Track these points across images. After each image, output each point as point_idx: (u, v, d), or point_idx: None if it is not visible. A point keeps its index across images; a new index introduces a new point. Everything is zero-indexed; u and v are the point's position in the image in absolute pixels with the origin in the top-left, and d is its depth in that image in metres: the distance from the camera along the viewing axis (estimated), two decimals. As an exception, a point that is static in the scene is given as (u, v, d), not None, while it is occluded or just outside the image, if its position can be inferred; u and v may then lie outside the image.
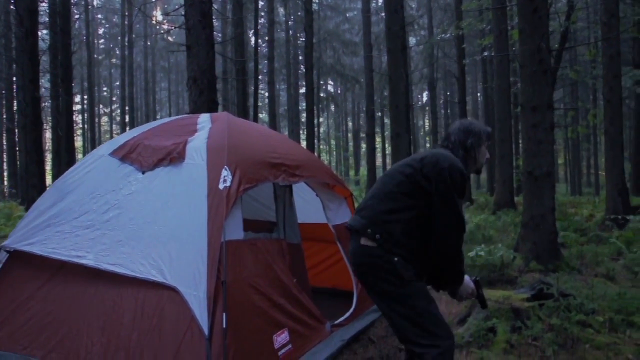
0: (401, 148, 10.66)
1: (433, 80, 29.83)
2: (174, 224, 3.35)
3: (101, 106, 48.23)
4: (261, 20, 30.07)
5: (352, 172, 43.87)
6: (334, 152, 49.65)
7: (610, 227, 11.07)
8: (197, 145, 3.73)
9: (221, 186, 3.34)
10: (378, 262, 2.64)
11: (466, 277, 2.79)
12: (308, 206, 5.18)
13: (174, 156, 3.70)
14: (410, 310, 2.60)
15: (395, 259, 2.60)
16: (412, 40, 34.68)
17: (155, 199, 3.53)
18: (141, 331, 3.02)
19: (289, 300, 3.62)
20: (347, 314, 4.40)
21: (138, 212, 3.50)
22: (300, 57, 30.77)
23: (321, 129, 51.06)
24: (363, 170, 33.50)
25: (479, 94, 41.74)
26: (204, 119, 4.17)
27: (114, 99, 48.25)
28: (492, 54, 15.36)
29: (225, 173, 3.39)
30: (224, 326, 2.86)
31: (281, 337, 3.41)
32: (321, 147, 50.36)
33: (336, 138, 49.38)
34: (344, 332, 4.23)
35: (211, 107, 7.78)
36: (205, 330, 2.88)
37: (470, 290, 2.82)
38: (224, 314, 2.89)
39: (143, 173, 3.74)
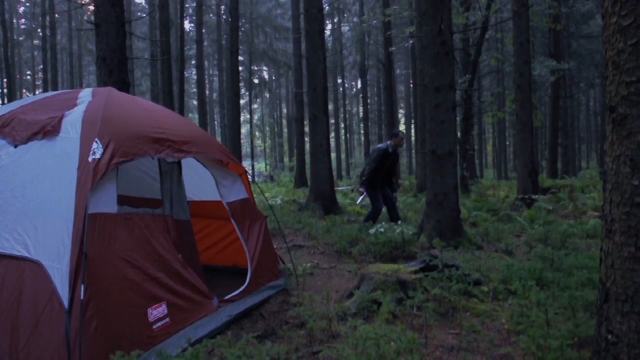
0: (318, 130, 10.69)
1: (364, 67, 30.14)
2: (43, 197, 3.25)
3: (24, 90, 46.01)
4: (193, 4, 29.43)
5: (286, 159, 43.60)
6: (268, 139, 49.21)
7: (520, 206, 11.60)
8: (73, 119, 3.63)
9: (90, 159, 3.26)
10: None
11: None
12: (204, 184, 5.14)
13: (49, 130, 3.58)
14: None
15: None
16: (344, 27, 34.93)
17: (26, 172, 3.42)
18: (-1, 307, 2.93)
19: (169, 275, 3.59)
20: (238, 291, 4.40)
21: (6, 186, 3.39)
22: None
23: (256, 116, 50.59)
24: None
25: (411, 81, 42.45)
26: (86, 93, 4.06)
27: (37, 82, 46.04)
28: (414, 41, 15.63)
29: (95, 145, 3.31)
30: (82, 298, 2.81)
31: (157, 311, 3.39)
32: (256, 133, 49.92)
33: (270, 124, 49.00)
34: (233, 308, 4.24)
35: (121, 88, 7.54)
36: (65, 304, 2.82)
37: None
38: (82, 286, 2.84)
39: (15, 147, 3.61)
